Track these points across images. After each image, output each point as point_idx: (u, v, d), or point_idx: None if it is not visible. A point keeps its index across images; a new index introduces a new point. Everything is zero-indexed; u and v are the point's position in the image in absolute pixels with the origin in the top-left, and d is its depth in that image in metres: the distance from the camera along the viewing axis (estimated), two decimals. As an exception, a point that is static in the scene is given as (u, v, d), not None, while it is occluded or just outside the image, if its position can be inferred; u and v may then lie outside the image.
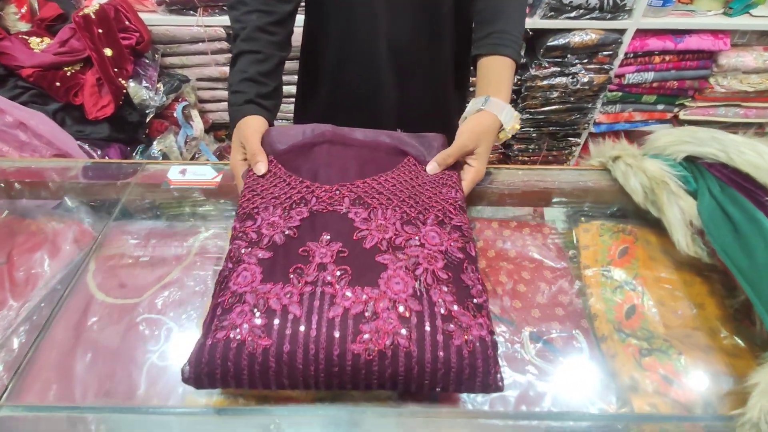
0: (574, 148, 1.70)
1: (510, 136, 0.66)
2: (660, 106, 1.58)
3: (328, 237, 0.50)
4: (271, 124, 0.67)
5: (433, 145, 0.63)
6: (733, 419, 0.44)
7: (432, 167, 0.61)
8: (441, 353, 0.41)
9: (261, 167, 0.58)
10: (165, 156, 1.31)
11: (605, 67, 1.48)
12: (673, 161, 0.66)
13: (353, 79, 0.80)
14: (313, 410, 0.47)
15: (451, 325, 0.43)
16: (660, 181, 0.62)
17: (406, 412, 0.47)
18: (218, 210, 0.72)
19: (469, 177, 0.62)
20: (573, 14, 1.43)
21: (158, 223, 0.71)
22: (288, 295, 0.44)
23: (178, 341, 0.57)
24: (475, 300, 0.46)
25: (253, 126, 0.63)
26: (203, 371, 0.41)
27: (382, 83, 0.79)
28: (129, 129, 1.23)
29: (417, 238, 0.51)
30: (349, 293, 0.44)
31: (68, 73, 1.12)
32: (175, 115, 1.36)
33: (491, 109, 0.63)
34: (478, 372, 0.42)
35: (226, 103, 1.65)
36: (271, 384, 0.42)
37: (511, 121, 0.64)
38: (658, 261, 0.64)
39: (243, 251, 0.49)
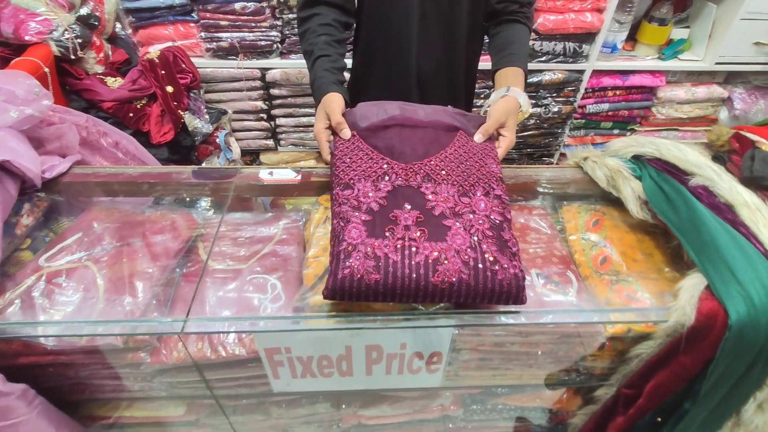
0: (549, 167, 2.03)
1: (526, 116, 0.90)
2: (615, 131, 1.93)
3: (409, 206, 0.67)
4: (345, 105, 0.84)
5: (475, 121, 0.82)
6: (671, 308, 0.69)
7: (478, 137, 0.80)
8: (489, 285, 0.61)
9: (347, 132, 0.77)
10: (211, 175, 1.53)
11: (570, 99, 1.82)
12: (624, 158, 0.94)
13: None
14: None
15: (496, 267, 0.61)
16: (617, 170, 0.89)
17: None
18: (292, 205, 0.95)
19: (503, 145, 0.82)
20: (543, 59, 1.79)
21: (248, 214, 0.93)
22: (386, 247, 0.62)
23: (281, 291, 0.78)
24: (512, 249, 0.65)
25: (336, 101, 0.81)
26: (337, 293, 0.61)
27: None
28: (183, 151, 1.45)
29: (470, 207, 0.69)
30: (427, 245, 0.62)
31: (138, 106, 1.34)
32: (217, 141, 1.59)
33: (512, 94, 0.84)
34: (512, 295, 0.62)
35: (254, 132, 1.90)
36: (379, 300, 0.62)
37: (527, 104, 0.86)
38: (620, 227, 0.91)
39: (350, 214, 0.66)
